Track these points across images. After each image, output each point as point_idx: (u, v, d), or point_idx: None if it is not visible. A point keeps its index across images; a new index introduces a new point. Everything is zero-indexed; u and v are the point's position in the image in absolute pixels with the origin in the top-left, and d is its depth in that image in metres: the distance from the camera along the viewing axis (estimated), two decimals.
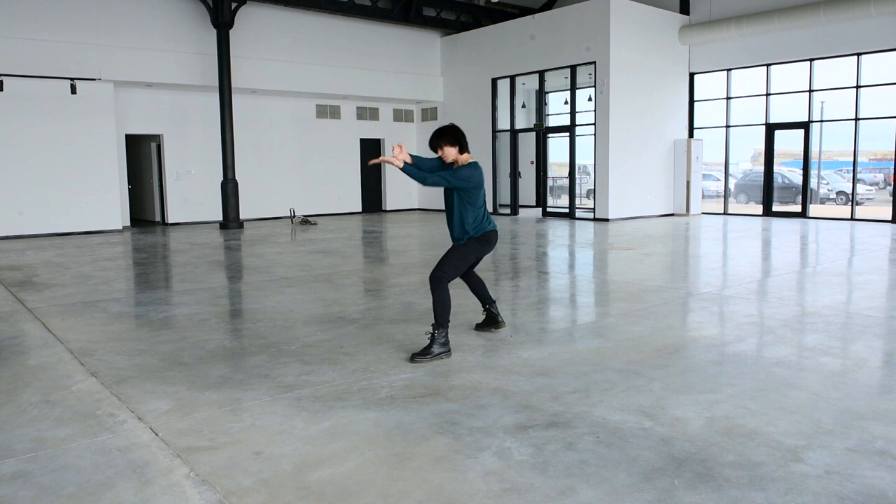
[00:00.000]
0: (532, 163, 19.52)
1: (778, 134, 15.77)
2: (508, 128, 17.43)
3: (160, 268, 9.42)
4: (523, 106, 18.26)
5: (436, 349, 4.43)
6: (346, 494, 2.65)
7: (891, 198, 14.54)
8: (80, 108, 13.39)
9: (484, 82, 17.61)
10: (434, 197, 19.47)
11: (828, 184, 18.75)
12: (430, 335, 4.52)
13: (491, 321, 5.17)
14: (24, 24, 12.73)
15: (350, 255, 10.28)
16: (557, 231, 13.38)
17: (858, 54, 14.08)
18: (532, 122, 18.20)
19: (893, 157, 14.10)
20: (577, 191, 16.90)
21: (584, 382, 3.95)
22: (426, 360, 4.38)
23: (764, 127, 15.81)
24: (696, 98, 16.90)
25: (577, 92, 16.02)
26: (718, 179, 18.19)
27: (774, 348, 4.73)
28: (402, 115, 19.36)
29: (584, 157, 16.51)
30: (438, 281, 4.53)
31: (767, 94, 15.66)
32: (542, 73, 16.44)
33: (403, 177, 19.55)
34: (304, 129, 17.39)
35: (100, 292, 7.13)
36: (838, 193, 18.32)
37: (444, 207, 4.78)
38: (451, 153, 4.67)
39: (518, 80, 17.09)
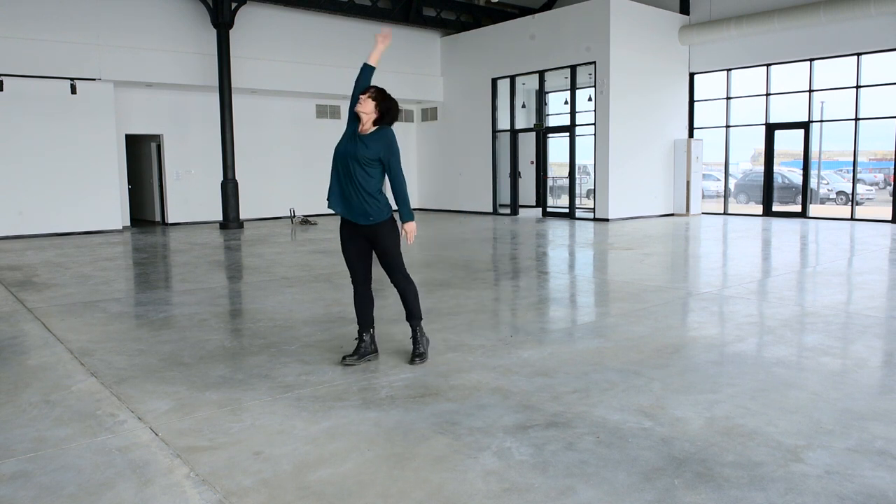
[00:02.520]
0: (532, 163, 19.52)
1: (778, 134, 15.77)
2: (508, 128, 17.42)
3: (160, 268, 9.42)
4: (523, 106, 18.25)
5: (424, 344, 4.43)
6: (346, 494, 2.65)
7: (891, 198, 14.54)
8: (80, 108, 13.39)
9: (484, 82, 17.61)
10: (435, 198, 19.46)
11: (828, 184, 18.75)
12: (414, 337, 4.41)
13: (368, 351, 4.42)
14: (24, 24, 12.73)
15: None
16: (557, 231, 13.37)
17: (858, 54, 14.08)
18: (532, 122, 18.19)
19: (893, 157, 14.10)
20: (577, 191, 16.90)
21: (584, 382, 3.95)
22: (426, 360, 4.39)
23: (764, 127, 15.81)
24: (696, 98, 16.90)
25: (577, 92, 16.02)
26: (718, 179, 18.19)
27: (774, 348, 4.73)
28: (402, 115, 19.26)
29: (584, 157, 16.51)
30: (406, 278, 4.33)
31: (767, 94, 15.66)
32: (542, 73, 16.44)
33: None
34: (304, 129, 17.38)
35: (100, 292, 7.13)
36: (838, 193, 18.32)
37: (347, 186, 4.10)
38: (368, 110, 4.10)
39: (518, 80, 17.08)
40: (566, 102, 16.49)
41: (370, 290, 4.43)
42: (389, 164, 4.14)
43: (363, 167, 4.09)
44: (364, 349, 4.40)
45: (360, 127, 4.17)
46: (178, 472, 2.85)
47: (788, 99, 15.53)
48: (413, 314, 4.40)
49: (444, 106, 18.92)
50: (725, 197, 16.99)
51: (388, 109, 4.17)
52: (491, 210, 17.78)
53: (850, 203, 15.27)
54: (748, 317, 5.69)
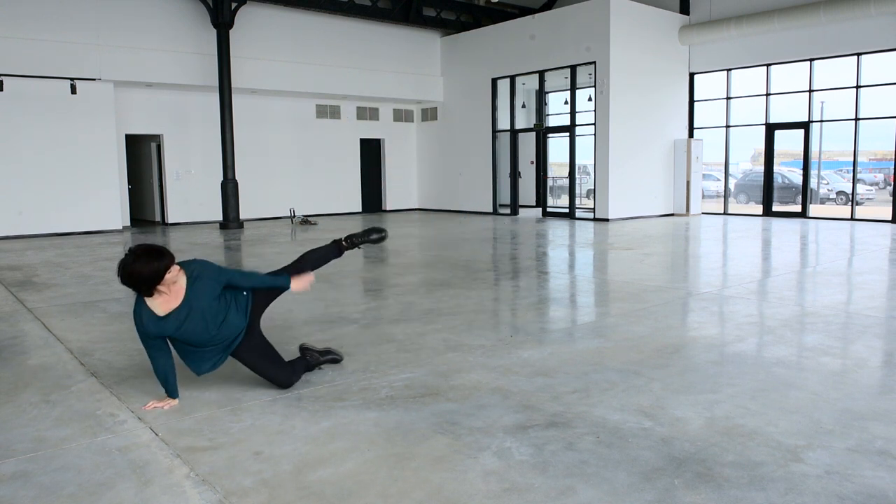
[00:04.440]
0: (532, 163, 19.52)
1: (778, 134, 15.77)
2: (508, 128, 17.42)
3: None
4: (523, 106, 18.25)
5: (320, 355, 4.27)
6: (346, 494, 2.65)
7: (891, 198, 14.54)
8: (80, 108, 13.39)
9: (484, 82, 17.61)
10: (435, 198, 19.46)
11: (828, 184, 18.76)
12: (314, 355, 4.21)
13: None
14: (24, 24, 12.74)
15: (350, 255, 10.27)
16: (557, 231, 13.37)
17: (858, 54, 14.08)
18: (532, 122, 18.19)
19: (893, 157, 14.10)
20: (577, 191, 16.90)
21: (584, 382, 3.95)
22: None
23: (764, 127, 15.81)
24: (696, 98, 16.90)
25: (577, 92, 16.02)
26: (718, 179, 18.19)
27: (774, 348, 4.73)
28: (402, 115, 19.36)
29: (584, 157, 16.51)
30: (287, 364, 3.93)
31: (767, 94, 15.66)
32: (542, 73, 16.44)
33: (403, 176, 19.56)
34: (304, 129, 17.39)
35: (100, 292, 7.13)
36: (838, 193, 18.32)
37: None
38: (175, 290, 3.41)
39: (518, 80, 17.08)
40: (566, 102, 16.49)
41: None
42: (227, 281, 3.54)
43: (214, 315, 3.49)
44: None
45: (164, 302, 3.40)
46: (178, 472, 2.85)
47: (788, 99, 15.53)
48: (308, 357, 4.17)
49: (444, 106, 18.92)
50: (725, 197, 16.99)
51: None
52: (491, 210, 17.79)
53: (850, 203, 15.27)
54: (748, 317, 5.69)
